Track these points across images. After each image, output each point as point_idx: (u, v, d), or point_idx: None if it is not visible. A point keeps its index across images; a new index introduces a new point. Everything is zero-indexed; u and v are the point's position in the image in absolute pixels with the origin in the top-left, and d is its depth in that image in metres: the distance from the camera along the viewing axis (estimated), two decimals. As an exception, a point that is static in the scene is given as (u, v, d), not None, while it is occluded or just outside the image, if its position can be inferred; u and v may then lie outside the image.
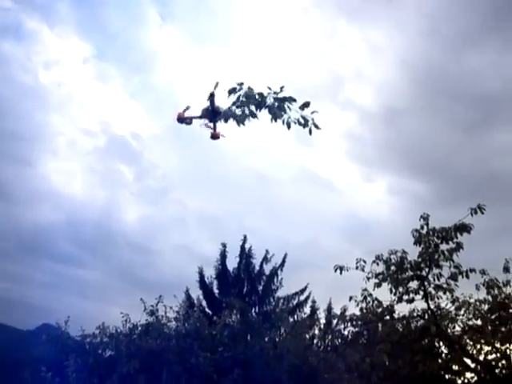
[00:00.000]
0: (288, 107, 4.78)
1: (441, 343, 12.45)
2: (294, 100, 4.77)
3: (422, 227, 11.92)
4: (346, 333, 14.27)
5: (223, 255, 22.34)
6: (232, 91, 4.89)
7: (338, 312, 15.49)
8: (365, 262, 12.47)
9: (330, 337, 15.77)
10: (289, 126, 4.84)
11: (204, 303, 21.82)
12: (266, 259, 22.44)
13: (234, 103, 4.92)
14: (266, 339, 13.00)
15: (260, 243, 23.64)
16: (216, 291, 22.21)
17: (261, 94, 4.82)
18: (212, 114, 7.51)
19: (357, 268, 12.48)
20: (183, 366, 10.89)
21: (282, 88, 4.75)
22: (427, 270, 12.14)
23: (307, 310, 21.49)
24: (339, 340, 14.75)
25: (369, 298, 12.81)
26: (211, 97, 7.30)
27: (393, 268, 12.41)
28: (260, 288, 22.11)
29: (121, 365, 10.71)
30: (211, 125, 7.69)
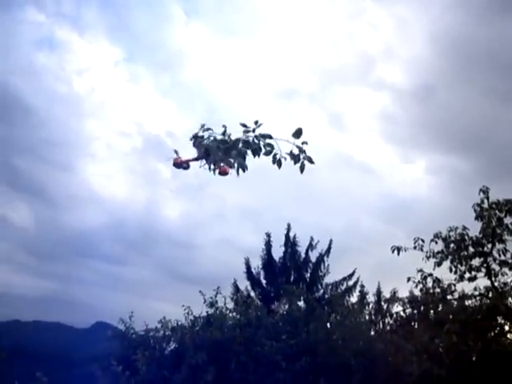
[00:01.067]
0: (266, 145, 4.07)
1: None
2: (270, 137, 4.08)
3: (483, 201, 11.41)
4: (403, 315, 13.93)
5: (268, 245, 22.18)
6: (195, 139, 4.40)
7: (388, 295, 15.11)
8: (423, 240, 12.08)
9: (387, 320, 15.41)
10: (279, 165, 4.11)
11: (252, 293, 21.73)
12: (311, 246, 22.18)
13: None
14: (328, 325, 12.74)
15: (302, 231, 23.39)
16: (263, 281, 22.10)
17: (224, 142, 4.25)
18: (205, 155, 7.01)
19: (415, 248, 12.09)
20: (249, 356, 10.77)
21: (257, 123, 4.08)
22: (490, 245, 11.63)
23: (356, 294, 21.19)
24: (397, 322, 14.38)
25: (429, 278, 12.42)
26: (194, 139, 6.78)
27: (452, 246, 11.96)
28: (307, 275, 21.87)
29: (188, 357, 10.68)
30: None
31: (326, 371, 10.97)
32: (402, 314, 13.79)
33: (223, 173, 6.88)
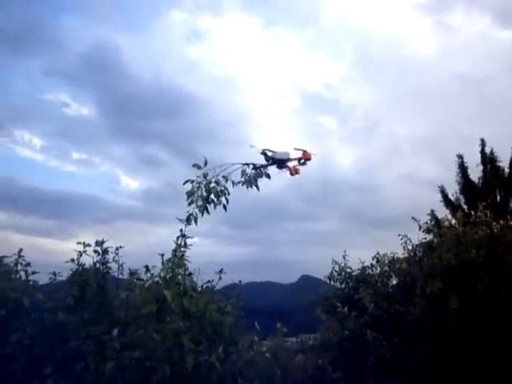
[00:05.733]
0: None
1: None
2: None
3: None
4: None
5: (463, 167, 19.09)
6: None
7: None
8: None
9: None
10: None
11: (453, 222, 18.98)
12: (515, 158, 18.38)
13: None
14: None
15: (495, 148, 19.56)
16: (464, 207, 19.11)
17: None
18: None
19: None
20: (495, 277, 8.66)
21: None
22: None
23: None
24: None
25: None
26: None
27: None
28: (518, 191, 18.18)
29: (419, 287, 9.05)
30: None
31: None
32: None
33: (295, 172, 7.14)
